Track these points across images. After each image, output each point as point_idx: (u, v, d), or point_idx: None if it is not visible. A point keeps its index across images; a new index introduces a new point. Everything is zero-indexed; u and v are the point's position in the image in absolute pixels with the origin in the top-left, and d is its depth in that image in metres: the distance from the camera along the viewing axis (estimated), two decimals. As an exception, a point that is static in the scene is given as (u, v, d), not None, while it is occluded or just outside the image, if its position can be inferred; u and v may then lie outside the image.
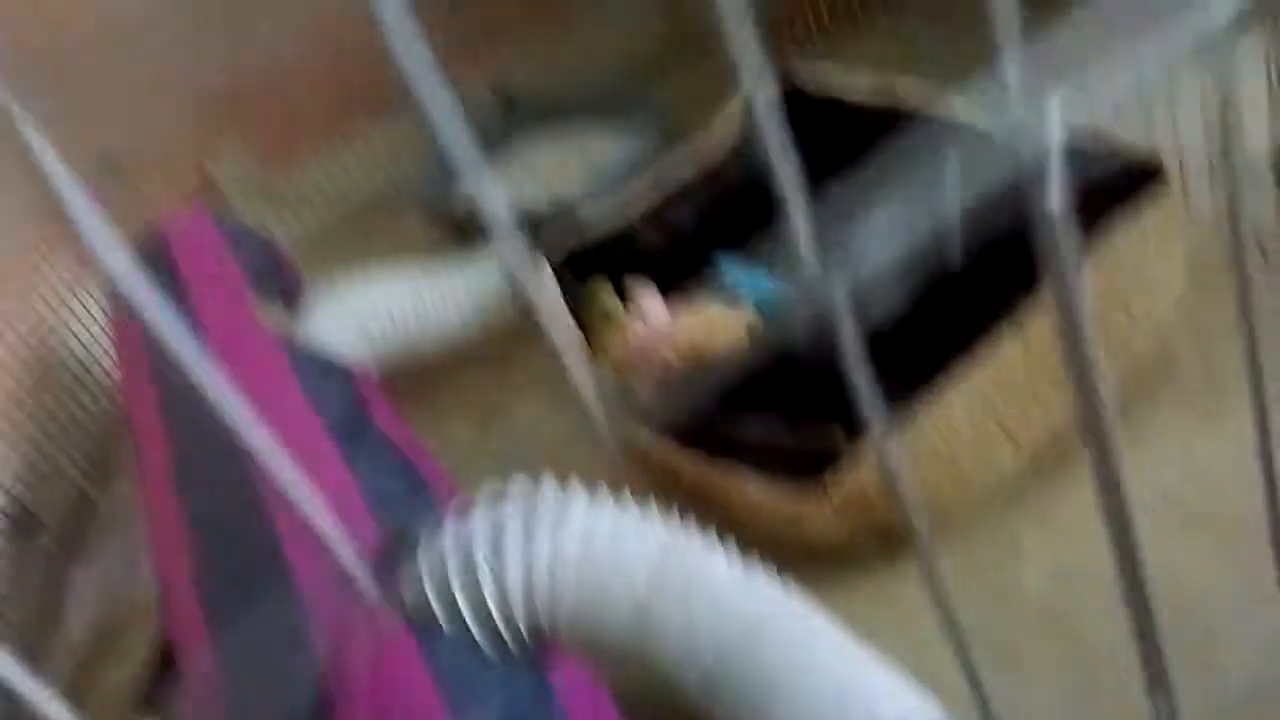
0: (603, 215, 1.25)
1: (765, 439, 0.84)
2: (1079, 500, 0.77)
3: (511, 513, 0.69)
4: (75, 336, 1.66)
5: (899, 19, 1.40)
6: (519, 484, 0.71)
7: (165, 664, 1.06)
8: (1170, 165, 0.86)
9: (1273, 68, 0.77)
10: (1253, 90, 0.80)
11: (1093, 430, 0.35)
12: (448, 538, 0.70)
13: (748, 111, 1.22)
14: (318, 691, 0.63)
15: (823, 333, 0.97)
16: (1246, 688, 0.65)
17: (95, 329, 1.69)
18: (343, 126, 1.87)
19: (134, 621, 1.13)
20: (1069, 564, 0.74)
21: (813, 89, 1.25)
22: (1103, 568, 0.69)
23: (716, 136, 1.23)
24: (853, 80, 1.21)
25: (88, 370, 1.64)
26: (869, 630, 0.68)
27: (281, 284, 1.31)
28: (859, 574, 0.80)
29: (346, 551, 0.72)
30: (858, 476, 0.76)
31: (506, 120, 1.78)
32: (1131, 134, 0.90)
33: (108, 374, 1.70)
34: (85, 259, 0.32)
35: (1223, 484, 0.73)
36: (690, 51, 1.74)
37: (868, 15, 1.50)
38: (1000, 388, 0.75)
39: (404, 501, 0.81)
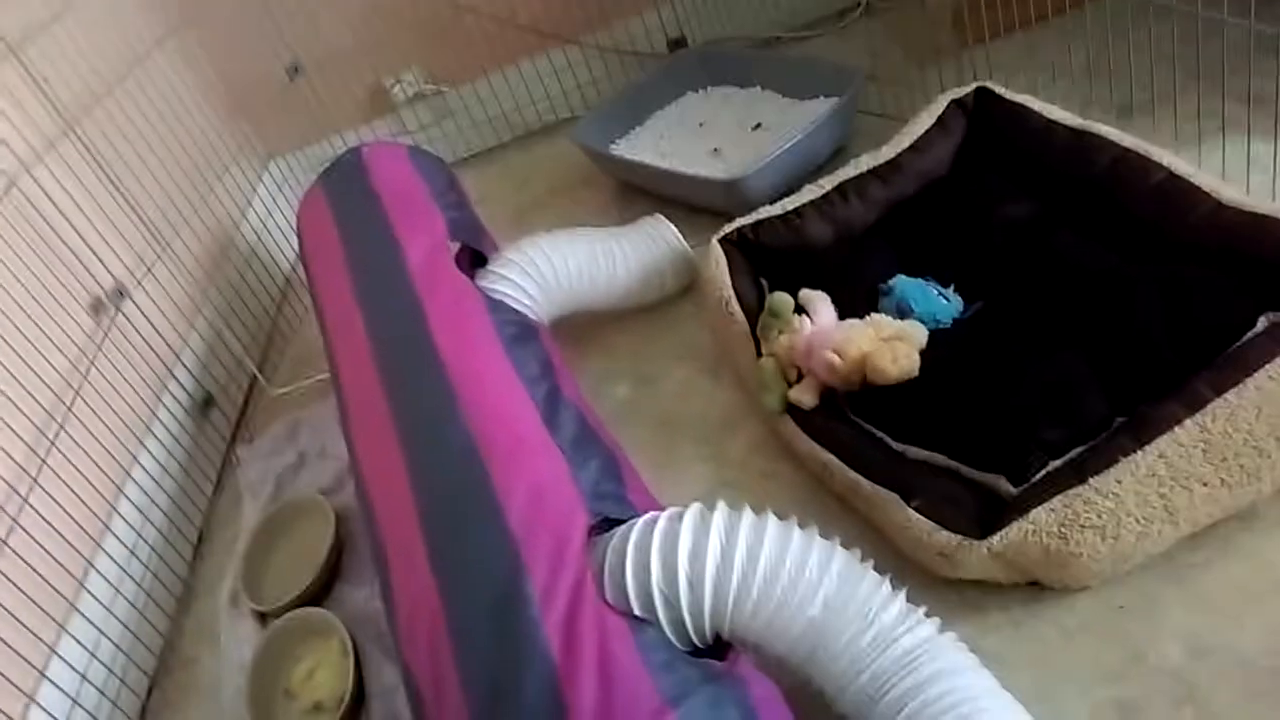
0: (773, 194, 1.28)
1: (930, 476, 0.89)
2: (1228, 577, 0.80)
3: (715, 526, 0.76)
4: (254, 232, 1.76)
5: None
6: (722, 503, 0.78)
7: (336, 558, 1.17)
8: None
9: None
10: None
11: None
12: (654, 539, 0.77)
13: (946, 120, 1.23)
14: (549, 657, 0.70)
15: (990, 363, 1.01)
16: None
17: (271, 225, 1.80)
18: (512, 57, 1.91)
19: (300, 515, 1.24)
20: (1209, 638, 0.77)
21: (1001, 92, 1.25)
22: (1243, 647, 0.74)
23: (923, 155, 1.24)
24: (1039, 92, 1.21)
25: (262, 265, 1.74)
26: (998, 665, 0.73)
27: (459, 200, 1.38)
28: (997, 609, 0.85)
29: (560, 523, 0.80)
30: (1018, 531, 0.80)
31: (676, 70, 1.79)
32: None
33: (282, 269, 1.81)
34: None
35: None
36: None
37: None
38: (1174, 473, 0.78)
39: (604, 485, 0.88)
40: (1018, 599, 0.85)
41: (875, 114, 1.53)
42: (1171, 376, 0.85)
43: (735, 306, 1.14)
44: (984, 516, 0.83)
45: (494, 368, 1.01)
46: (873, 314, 1.05)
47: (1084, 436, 0.86)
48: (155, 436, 1.31)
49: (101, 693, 1.06)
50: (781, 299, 1.09)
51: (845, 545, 0.77)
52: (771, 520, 0.77)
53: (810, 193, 1.25)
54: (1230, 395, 0.80)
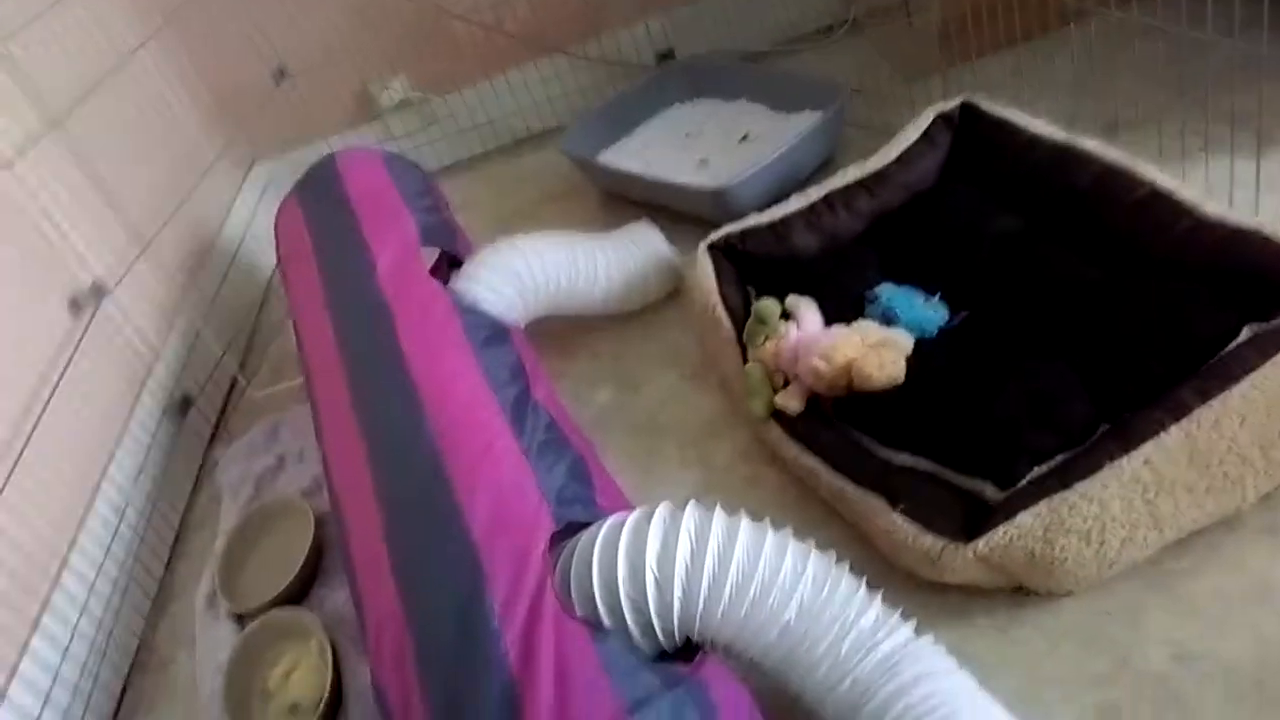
0: (760, 204, 1.29)
1: (915, 481, 0.89)
2: (1212, 584, 0.81)
3: (684, 527, 0.76)
4: (237, 235, 1.75)
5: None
6: (693, 503, 0.78)
7: (316, 558, 1.16)
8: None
9: None
10: None
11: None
12: (621, 541, 0.77)
13: (931, 135, 1.24)
14: (506, 666, 0.70)
15: (976, 371, 1.01)
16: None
17: (254, 228, 1.78)
18: (500, 66, 1.91)
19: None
20: (1193, 645, 0.78)
21: (986, 107, 1.26)
22: (1227, 655, 0.74)
23: (907, 166, 1.25)
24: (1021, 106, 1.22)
25: (244, 268, 1.73)
26: (983, 669, 0.73)
27: (434, 205, 1.38)
28: (982, 614, 0.85)
29: (523, 531, 0.79)
30: (1004, 535, 0.80)
31: (664, 82, 1.80)
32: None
33: (263, 272, 1.80)
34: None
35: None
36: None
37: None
38: (1159, 479, 0.78)
39: (571, 489, 0.87)
40: (1003, 604, 0.85)
41: (862, 127, 1.55)
42: (1157, 385, 0.86)
43: (722, 312, 1.14)
44: (969, 521, 0.83)
45: (462, 374, 1.01)
46: (859, 321, 1.06)
47: (1070, 443, 0.86)
48: (132, 436, 1.29)
49: (75, 691, 1.04)
50: (768, 305, 1.09)
51: (829, 551, 0.77)
52: (745, 521, 0.77)
53: (797, 202, 1.26)
54: (1215, 403, 0.81)
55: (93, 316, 1.29)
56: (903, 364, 0.99)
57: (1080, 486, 0.79)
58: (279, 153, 1.95)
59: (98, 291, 1.32)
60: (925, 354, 1.01)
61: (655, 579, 0.75)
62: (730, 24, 1.89)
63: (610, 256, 1.31)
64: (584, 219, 1.63)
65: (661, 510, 0.78)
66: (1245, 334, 0.89)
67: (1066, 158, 1.14)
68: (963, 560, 0.82)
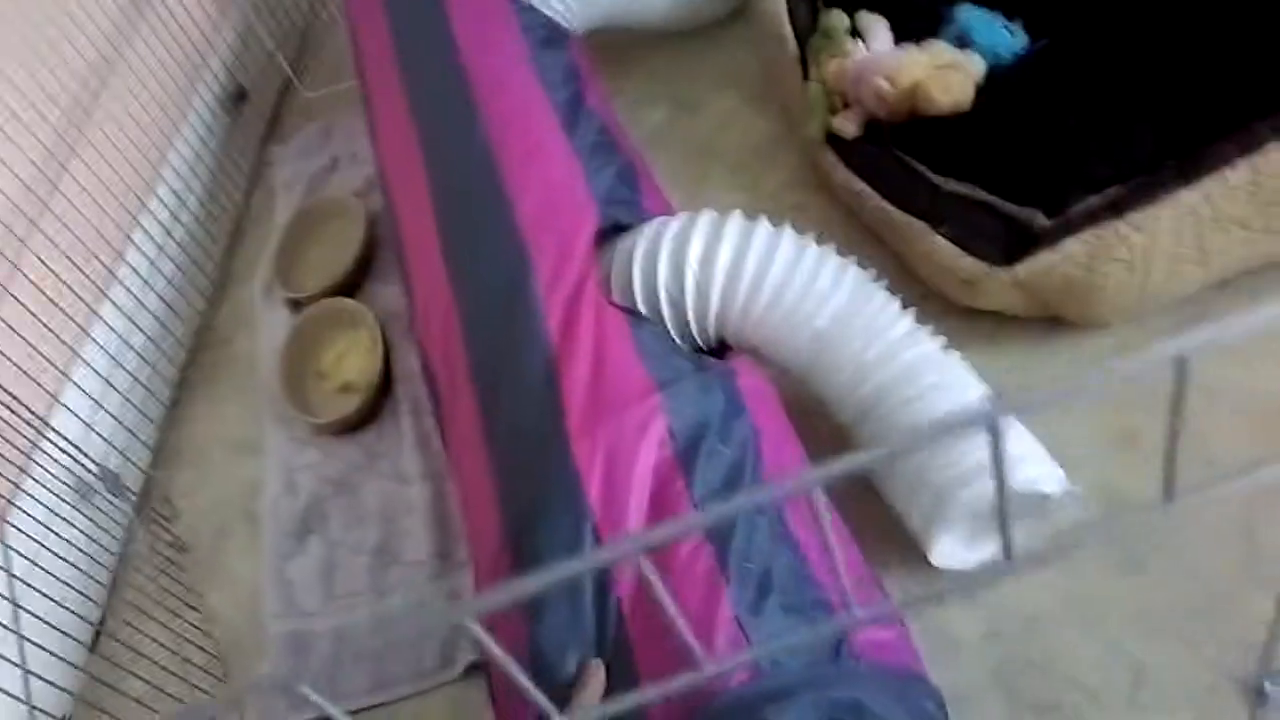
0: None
1: (964, 207, 0.87)
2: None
3: (729, 232, 0.76)
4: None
5: None
6: (737, 212, 0.78)
7: (369, 254, 1.19)
8: None
9: None
10: None
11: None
12: (665, 240, 0.77)
13: None
14: (548, 341, 0.73)
15: (1046, 101, 0.97)
16: None
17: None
18: None
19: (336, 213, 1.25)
20: (1218, 381, 0.78)
21: None
22: (1252, 387, 0.75)
23: None
24: None
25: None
26: (1010, 388, 0.75)
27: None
28: (1011, 339, 0.86)
29: (569, 225, 0.81)
30: (1045, 261, 0.79)
31: None
32: None
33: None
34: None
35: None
36: None
37: None
38: (1215, 213, 0.76)
39: (619, 192, 0.88)
40: (1037, 331, 0.86)
41: None
42: (1234, 118, 0.82)
43: (786, 25, 1.09)
44: (1013, 246, 0.83)
45: (516, 71, 0.99)
46: (931, 41, 1.01)
47: (1131, 174, 0.83)
48: (190, 126, 1.31)
49: (141, 356, 1.11)
50: (837, 18, 1.04)
51: (869, 269, 0.78)
52: (788, 231, 0.77)
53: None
54: (1291, 140, 0.77)
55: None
56: (970, 89, 0.95)
57: (1132, 216, 0.78)
58: None
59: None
60: (996, 82, 0.96)
61: (696, 279, 0.76)
62: None
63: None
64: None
65: (706, 214, 0.79)
66: (1340, 74, 0.83)
67: None
68: (1000, 284, 0.82)
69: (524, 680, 0.25)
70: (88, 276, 1.06)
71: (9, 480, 0.92)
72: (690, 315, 0.78)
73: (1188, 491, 0.26)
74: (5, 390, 0.90)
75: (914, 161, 0.96)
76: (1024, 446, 0.69)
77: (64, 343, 0.98)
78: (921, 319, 0.78)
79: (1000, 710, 0.71)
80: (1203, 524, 0.73)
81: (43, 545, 0.91)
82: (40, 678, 0.80)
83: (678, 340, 0.79)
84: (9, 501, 0.92)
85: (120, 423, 1.07)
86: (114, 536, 1.02)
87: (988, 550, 0.73)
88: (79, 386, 1.00)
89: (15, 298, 0.93)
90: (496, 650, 0.24)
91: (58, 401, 0.98)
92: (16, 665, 0.80)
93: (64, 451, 0.94)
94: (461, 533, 0.92)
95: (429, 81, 1.02)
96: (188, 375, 1.20)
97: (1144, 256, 0.77)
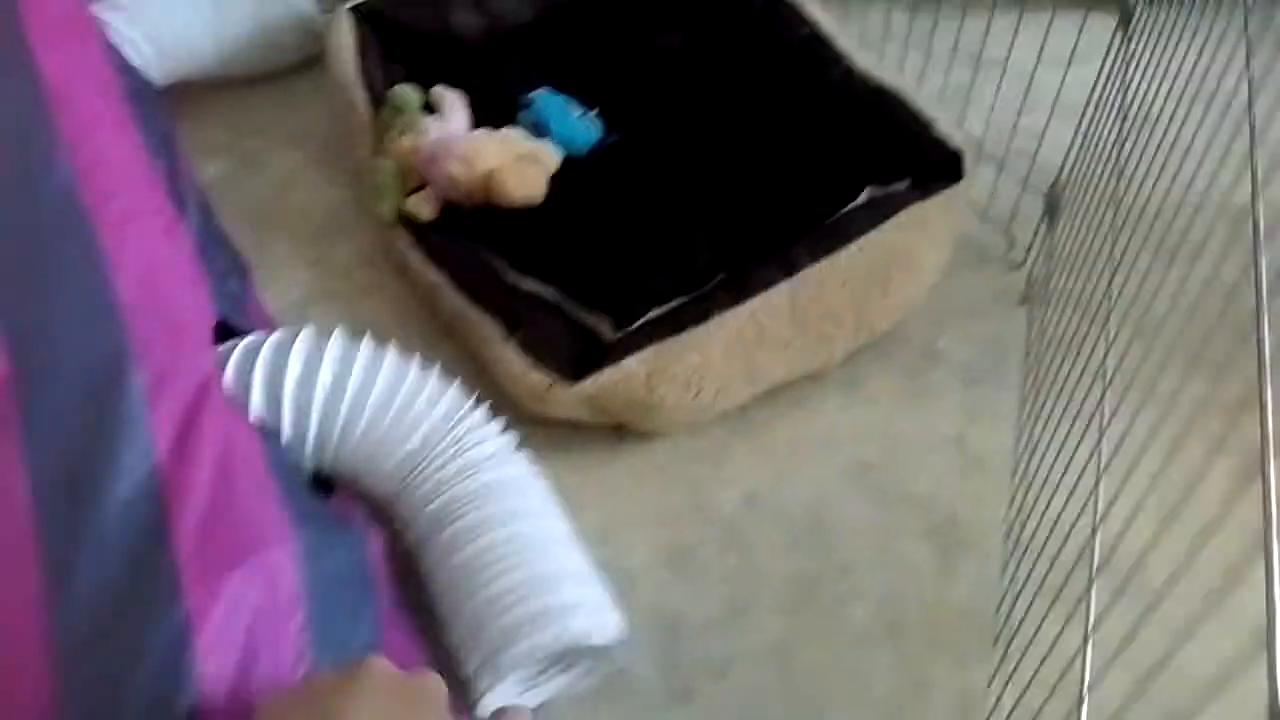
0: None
1: (537, 311, 0.85)
2: (790, 433, 0.86)
3: (329, 354, 0.69)
4: None
5: None
6: (337, 330, 0.70)
7: None
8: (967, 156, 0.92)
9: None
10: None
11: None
12: (261, 359, 0.68)
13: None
14: (153, 461, 0.59)
15: (614, 204, 0.96)
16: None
17: None
18: None
19: None
20: (761, 490, 0.83)
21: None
22: (787, 500, 0.80)
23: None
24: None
25: None
26: (573, 503, 0.73)
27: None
28: (581, 448, 0.86)
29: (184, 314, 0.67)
30: (610, 377, 0.79)
31: None
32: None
33: None
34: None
35: (909, 454, 0.85)
36: None
37: None
38: (760, 333, 0.80)
39: (229, 286, 0.76)
40: (602, 441, 0.86)
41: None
42: (777, 238, 0.87)
43: (358, 89, 1.01)
44: (581, 359, 0.82)
45: (110, 114, 0.82)
46: (507, 128, 0.98)
47: (688, 287, 0.86)
48: None
49: None
50: (407, 91, 0.98)
51: (447, 372, 0.73)
52: (390, 354, 0.71)
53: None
54: (823, 263, 0.83)
55: None
56: (544, 183, 0.93)
57: (687, 336, 0.80)
58: None
59: None
60: (570, 175, 0.96)
61: (295, 403, 0.67)
62: None
63: (245, 7, 1.11)
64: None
65: (306, 335, 0.70)
66: (865, 196, 0.91)
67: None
68: (569, 398, 0.81)
69: None
70: None
71: None
72: (287, 442, 0.69)
73: None
74: None
75: (490, 255, 0.93)
76: (580, 592, 0.68)
77: None
78: (505, 427, 0.74)
79: None
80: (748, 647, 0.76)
81: None
82: None
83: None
84: None
85: None
86: None
87: (547, 691, 0.71)
88: None
89: None
90: None
91: None
92: None
93: None
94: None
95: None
96: None
97: (698, 376, 0.80)
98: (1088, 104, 0.84)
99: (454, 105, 0.99)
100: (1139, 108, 0.73)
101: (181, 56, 1.08)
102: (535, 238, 0.90)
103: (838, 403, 0.88)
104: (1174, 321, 0.57)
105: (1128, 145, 0.73)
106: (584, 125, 1.01)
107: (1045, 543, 0.64)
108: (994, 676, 0.67)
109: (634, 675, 0.73)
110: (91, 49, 0.87)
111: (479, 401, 0.73)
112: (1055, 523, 0.62)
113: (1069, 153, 0.88)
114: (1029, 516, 0.69)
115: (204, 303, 0.71)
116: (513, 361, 0.82)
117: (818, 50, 1.02)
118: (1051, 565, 0.62)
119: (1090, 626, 0.54)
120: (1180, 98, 0.66)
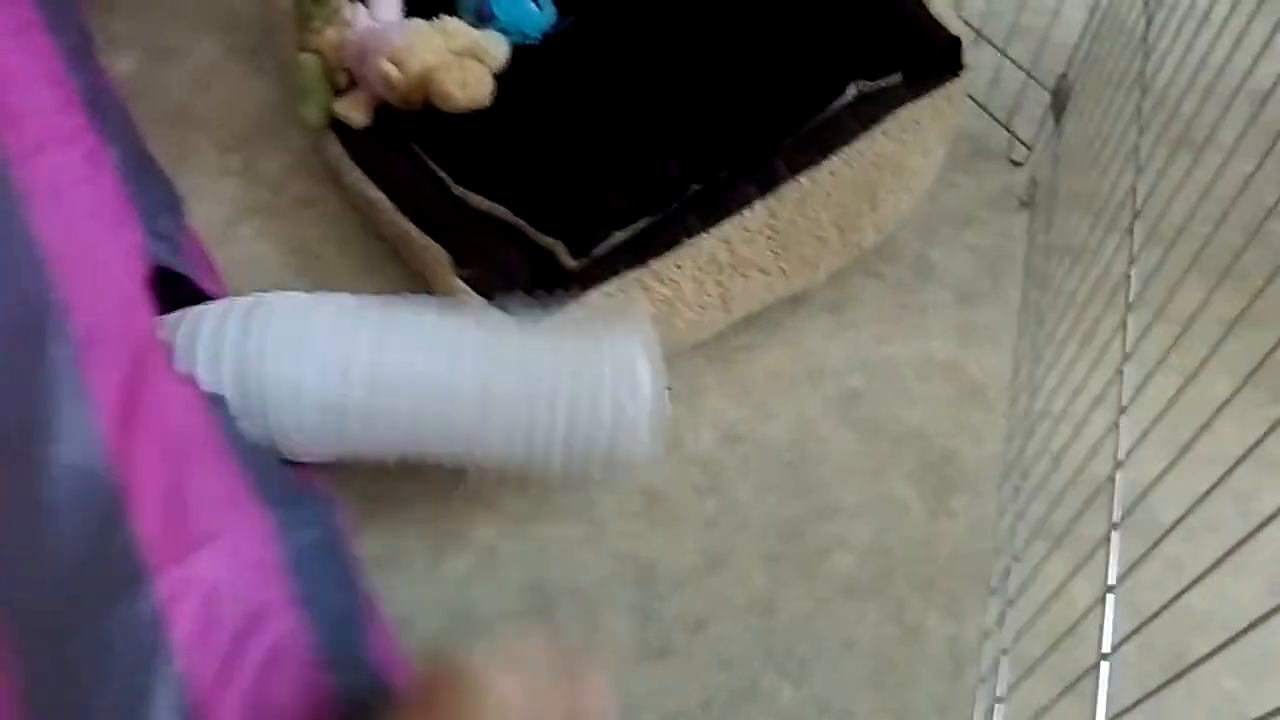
0: None
1: (488, 234, 0.76)
2: (768, 363, 0.79)
3: (260, 312, 0.62)
4: None
5: None
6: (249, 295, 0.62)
7: None
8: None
9: None
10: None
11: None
12: (206, 321, 0.60)
13: None
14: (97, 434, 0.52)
15: (568, 110, 0.85)
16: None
17: None
18: None
19: None
20: (739, 427, 0.77)
21: None
22: (768, 438, 0.74)
23: None
24: None
25: None
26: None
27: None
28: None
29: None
30: (573, 313, 0.71)
31: None
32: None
33: None
34: None
35: (899, 382, 0.78)
36: None
37: None
38: (735, 259, 0.72)
39: (164, 224, 0.68)
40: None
41: None
42: (754, 144, 0.78)
43: (275, -26, 0.88)
44: (539, 292, 0.73)
45: (30, 48, 0.72)
46: (446, 16, 0.86)
47: (654, 206, 0.77)
48: None
49: None
50: (329, -21, 0.85)
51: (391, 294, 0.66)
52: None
53: None
54: (804, 178, 0.74)
55: None
56: (489, 83, 0.83)
57: (655, 265, 0.72)
58: None
59: None
60: (519, 70, 0.85)
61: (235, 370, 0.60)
62: None
63: None
64: None
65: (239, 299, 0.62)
66: (851, 93, 0.81)
67: None
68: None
69: None
70: None
71: None
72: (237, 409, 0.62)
73: None
74: None
75: (433, 164, 0.83)
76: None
77: None
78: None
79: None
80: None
81: None
82: None
83: None
84: None
85: None
86: None
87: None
88: None
89: None
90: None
91: None
92: None
93: None
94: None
95: None
96: None
97: (668, 308, 0.72)
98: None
99: (382, -12, 0.87)
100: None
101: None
102: (481, 147, 0.80)
103: (822, 327, 0.81)
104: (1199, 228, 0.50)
105: (1156, 21, 0.64)
106: (533, 9, 0.89)
107: (1046, 479, 0.58)
108: (988, 629, 0.62)
109: (605, 630, 0.69)
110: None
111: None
112: (1058, 459, 0.57)
113: (1084, 33, 0.78)
114: (1030, 452, 0.63)
115: (135, 247, 0.63)
116: (465, 295, 0.74)
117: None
118: (1052, 508, 0.56)
119: (1114, 579, 0.48)
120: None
